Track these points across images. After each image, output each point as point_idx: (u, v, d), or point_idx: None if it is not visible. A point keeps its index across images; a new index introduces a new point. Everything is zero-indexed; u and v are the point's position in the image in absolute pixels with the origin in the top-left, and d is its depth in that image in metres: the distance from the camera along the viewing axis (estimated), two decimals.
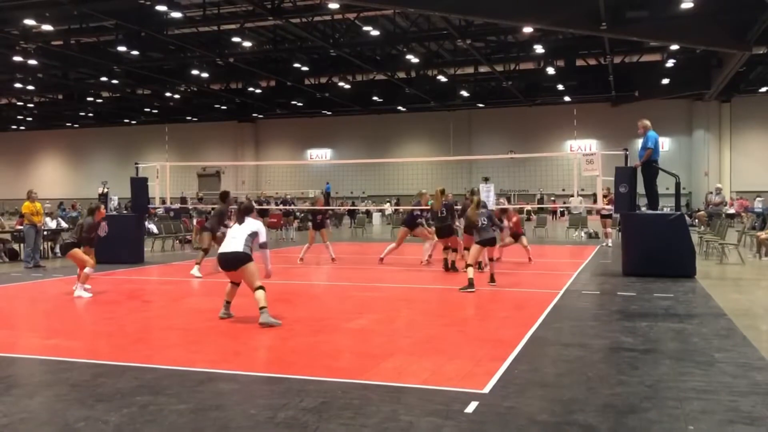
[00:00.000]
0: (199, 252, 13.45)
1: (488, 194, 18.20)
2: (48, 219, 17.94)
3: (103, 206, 11.43)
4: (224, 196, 13.76)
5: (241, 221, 8.24)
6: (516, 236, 14.98)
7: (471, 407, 4.51)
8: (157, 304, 9.61)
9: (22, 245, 17.01)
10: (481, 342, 6.81)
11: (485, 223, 10.70)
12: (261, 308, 7.76)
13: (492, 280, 11.03)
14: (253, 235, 8.10)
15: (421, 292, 10.72)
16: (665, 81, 35.63)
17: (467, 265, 10.66)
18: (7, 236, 17.48)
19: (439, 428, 4.13)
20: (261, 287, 7.89)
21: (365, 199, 44.87)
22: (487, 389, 4.95)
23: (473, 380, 5.19)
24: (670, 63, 33.25)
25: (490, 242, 10.94)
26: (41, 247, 15.82)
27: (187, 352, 6.40)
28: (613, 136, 39.38)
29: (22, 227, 16.45)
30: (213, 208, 14.65)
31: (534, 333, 7.02)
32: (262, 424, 4.25)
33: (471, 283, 10.27)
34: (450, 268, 13.07)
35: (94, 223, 10.50)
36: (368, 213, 36.19)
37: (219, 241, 13.51)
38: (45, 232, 16.14)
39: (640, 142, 13.00)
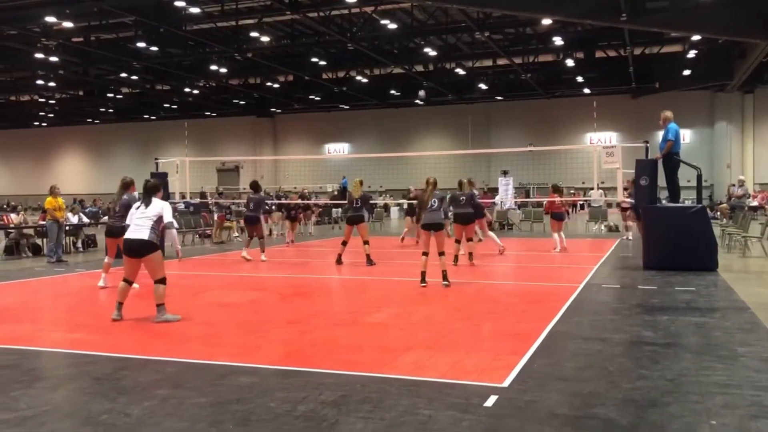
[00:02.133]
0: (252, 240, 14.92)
1: (507, 187, 18.13)
2: (69, 214, 18.15)
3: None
4: (256, 186, 15.34)
5: (147, 203, 7.75)
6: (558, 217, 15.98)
7: (490, 401, 4.50)
8: (178, 298, 9.68)
9: (44, 240, 17.25)
10: (500, 336, 6.79)
11: (434, 205, 10.08)
12: (158, 305, 7.53)
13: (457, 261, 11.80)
14: (159, 220, 7.66)
15: (439, 286, 10.69)
16: (686, 72, 35.18)
17: (423, 253, 10.11)
18: (31, 231, 17.72)
19: (458, 422, 4.13)
20: (163, 280, 7.60)
21: (383, 193, 44.87)
22: (506, 383, 4.93)
23: (492, 374, 5.17)
24: (691, 54, 32.84)
25: (434, 227, 10.10)
26: (63, 242, 16.00)
27: (207, 346, 6.45)
28: (633, 128, 39.03)
29: (44, 222, 16.67)
30: (248, 199, 15.24)
31: (554, 327, 6.98)
32: (281, 417, 4.27)
33: (422, 277, 10.06)
34: (338, 262, 13.51)
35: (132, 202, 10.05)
36: (386, 207, 36.18)
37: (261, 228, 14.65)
38: (67, 227, 16.33)
39: (660, 134, 12.86)
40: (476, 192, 15.07)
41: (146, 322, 7.62)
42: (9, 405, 4.60)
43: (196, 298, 9.70)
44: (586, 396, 4.66)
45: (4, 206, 40.39)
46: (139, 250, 7.59)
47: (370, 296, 9.54)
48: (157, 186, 8.14)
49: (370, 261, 13.19)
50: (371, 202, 15.66)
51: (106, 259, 10.57)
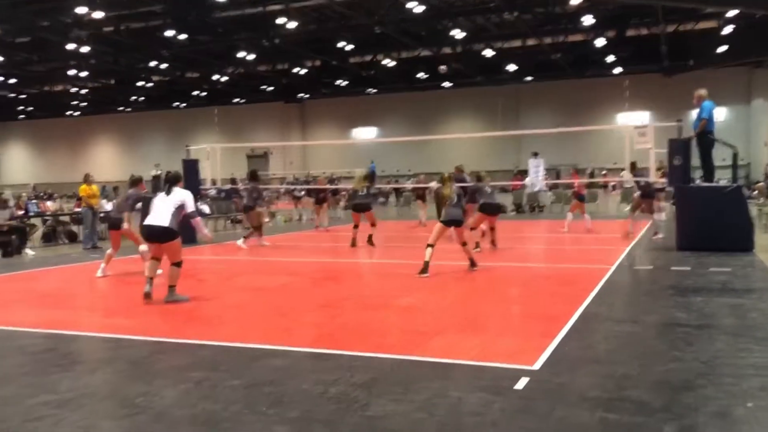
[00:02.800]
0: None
1: (537, 169, 17.98)
2: (104, 201, 18.45)
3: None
4: (254, 175, 15.46)
5: (168, 192, 7.95)
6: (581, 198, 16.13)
7: (521, 383, 4.50)
8: (211, 282, 9.83)
9: (80, 227, 17.58)
10: (531, 318, 6.76)
11: (454, 200, 9.84)
12: (170, 286, 7.82)
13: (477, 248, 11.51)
14: (181, 207, 7.87)
15: (467, 269, 10.66)
16: (722, 49, 34.31)
17: (428, 245, 9.66)
18: (67, 218, 18.06)
19: (488, 404, 4.13)
20: (179, 264, 7.88)
21: (411, 177, 44.78)
22: (537, 365, 4.92)
23: (523, 357, 5.16)
24: (727, 30, 31.96)
25: (455, 223, 9.87)
26: (98, 229, 16.30)
27: (240, 329, 6.54)
28: (666, 107, 38.25)
29: (80, 210, 16.99)
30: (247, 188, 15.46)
31: (585, 309, 6.93)
32: (313, 399, 4.32)
33: (425, 267, 9.45)
34: (353, 245, 13.81)
35: (140, 196, 10.52)
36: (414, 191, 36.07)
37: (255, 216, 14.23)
38: (101, 214, 16.62)
39: (694, 113, 12.60)
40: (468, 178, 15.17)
41: (180, 306, 7.75)
42: (49, 387, 4.73)
43: (228, 282, 9.83)
44: (618, 378, 4.62)
45: (41, 194, 41.29)
46: (159, 236, 7.84)
47: (400, 280, 9.56)
48: (179, 176, 8.36)
49: (370, 241, 14.02)
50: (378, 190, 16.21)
51: (109, 251, 10.65)
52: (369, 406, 4.16)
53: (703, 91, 12.30)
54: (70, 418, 4.10)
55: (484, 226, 12.69)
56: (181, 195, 7.99)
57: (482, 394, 4.31)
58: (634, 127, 14.20)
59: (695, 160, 12.37)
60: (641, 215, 14.99)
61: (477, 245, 12.16)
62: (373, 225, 14.29)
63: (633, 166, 15.18)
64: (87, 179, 15.92)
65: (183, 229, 8.16)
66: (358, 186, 14.66)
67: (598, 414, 3.93)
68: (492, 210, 12.67)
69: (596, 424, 3.80)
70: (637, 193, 14.93)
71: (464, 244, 10.04)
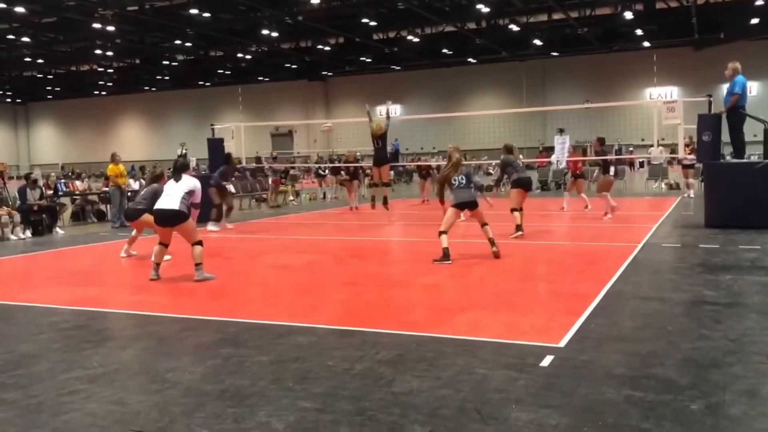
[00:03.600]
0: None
1: (563, 146, 17.80)
2: (131, 180, 18.68)
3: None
4: (228, 158, 14.88)
5: (177, 178, 8.21)
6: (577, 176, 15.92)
7: (546, 361, 4.49)
8: (237, 260, 9.93)
9: (108, 206, 17.83)
10: (557, 296, 6.74)
11: (462, 182, 9.19)
12: (197, 264, 7.95)
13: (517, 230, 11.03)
14: (190, 193, 8.12)
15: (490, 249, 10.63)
16: (755, 21, 33.45)
17: (440, 233, 9.03)
18: (95, 198, 18.33)
19: (513, 381, 4.14)
20: (200, 242, 8.06)
21: (435, 154, 44.58)
22: (562, 343, 4.91)
23: (548, 334, 5.15)
24: (760, 1, 31.13)
25: (468, 205, 9.31)
26: (126, 207, 16.51)
27: (266, 307, 6.62)
28: (695, 82, 37.53)
29: (107, 189, 17.22)
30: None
31: (611, 287, 6.88)
32: (339, 375, 4.37)
33: (446, 254, 8.82)
34: (374, 203, 14.05)
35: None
36: (439, 169, 35.94)
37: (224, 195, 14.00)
38: (129, 193, 16.84)
39: (725, 87, 12.34)
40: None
41: (207, 284, 7.85)
42: (81, 363, 4.83)
43: (254, 261, 9.92)
44: (645, 356, 4.60)
45: (69, 173, 41.94)
46: (170, 219, 8.05)
47: (424, 258, 9.56)
48: (186, 164, 8.73)
49: (385, 203, 13.90)
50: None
51: (134, 233, 10.69)
52: (394, 383, 4.19)
53: (737, 65, 12.01)
54: (102, 393, 4.19)
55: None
56: (192, 182, 8.26)
57: (507, 371, 4.32)
58: (662, 102, 13.93)
59: (725, 135, 12.13)
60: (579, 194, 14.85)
61: (518, 228, 11.14)
62: (386, 184, 13.98)
63: (602, 142, 14.70)
64: (114, 158, 16.06)
65: (202, 206, 8.36)
66: (377, 131, 14.08)
67: (624, 392, 3.92)
68: (527, 185, 11.67)
69: (622, 401, 3.79)
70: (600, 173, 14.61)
71: (484, 224, 9.27)
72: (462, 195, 9.20)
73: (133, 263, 10.15)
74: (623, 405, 3.74)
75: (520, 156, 12.75)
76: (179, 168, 8.52)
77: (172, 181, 8.30)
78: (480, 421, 3.57)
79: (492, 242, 9.18)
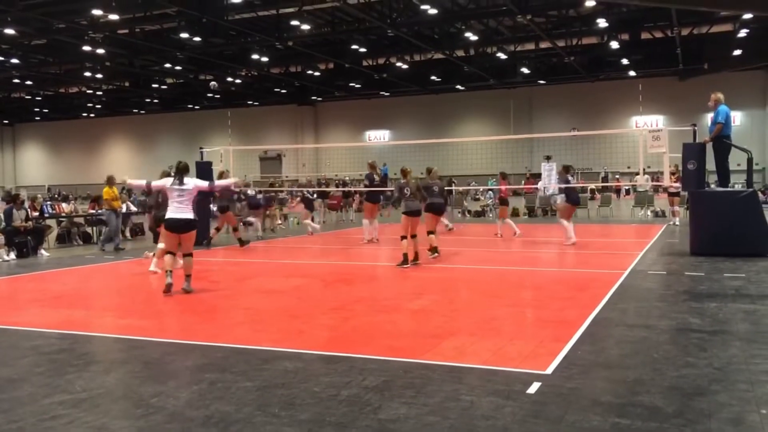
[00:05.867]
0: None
1: (550, 173, 17.94)
2: (128, 202, 18.54)
3: None
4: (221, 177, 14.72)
5: (181, 182, 8.63)
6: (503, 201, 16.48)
7: (533, 388, 4.49)
8: (224, 284, 9.88)
9: (94, 228, 17.72)
10: (544, 323, 6.75)
11: (406, 193, 11.19)
12: (188, 276, 8.57)
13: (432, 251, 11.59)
14: (195, 194, 8.73)
15: (479, 273, 10.67)
16: (737, 52, 34.08)
17: (402, 237, 11.01)
18: (81, 220, 18.19)
19: (500, 408, 4.13)
20: (191, 254, 8.72)
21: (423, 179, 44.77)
22: (549, 370, 4.91)
23: (535, 361, 5.15)
24: (742, 33, 31.75)
25: (415, 213, 11.18)
26: (120, 231, 16.32)
27: (252, 331, 6.57)
28: (680, 111, 38.06)
29: (94, 211, 17.11)
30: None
31: (598, 314, 6.91)
32: (325, 401, 4.34)
33: (405, 259, 10.77)
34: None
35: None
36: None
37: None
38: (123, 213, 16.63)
39: (709, 117, 12.53)
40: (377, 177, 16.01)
41: (193, 307, 7.80)
42: (65, 387, 4.77)
43: (241, 284, 9.87)
44: (631, 384, 4.61)
45: (56, 195, 41.66)
46: (183, 227, 8.60)
47: (411, 283, 9.57)
48: (187, 167, 9.03)
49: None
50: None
51: (160, 245, 10.63)
52: (381, 409, 4.17)
53: (719, 95, 12.23)
54: (85, 418, 4.14)
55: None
56: (193, 182, 8.81)
57: (494, 398, 4.31)
58: (648, 131, 14.11)
59: (710, 164, 12.29)
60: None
61: (434, 251, 11.65)
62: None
63: (566, 169, 15.00)
64: (110, 181, 15.76)
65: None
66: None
67: (611, 419, 3.92)
68: (438, 209, 12.00)
69: (609, 429, 3.78)
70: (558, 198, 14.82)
71: (414, 235, 11.05)
72: (410, 205, 11.19)
73: (121, 284, 10.06)
74: None
75: (450, 181, 13.03)
76: (182, 170, 8.82)
77: (176, 186, 8.62)
78: None
79: (415, 255, 10.94)
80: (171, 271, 8.59)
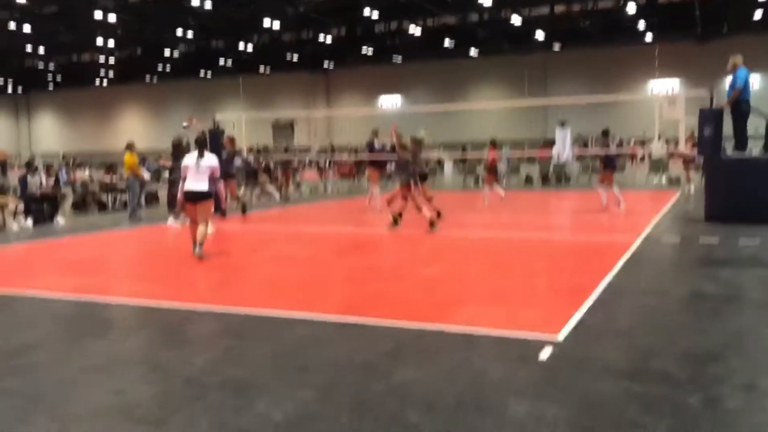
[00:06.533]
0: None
1: (565, 139, 17.78)
2: (144, 171, 18.53)
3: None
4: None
5: (201, 154, 8.92)
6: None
7: (545, 354, 4.51)
8: (239, 251, 9.95)
9: (109, 195, 17.84)
10: (556, 290, 6.75)
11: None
12: (201, 243, 8.77)
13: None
14: (213, 170, 8.99)
15: (491, 240, 10.66)
16: (758, 15, 33.31)
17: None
18: (96, 188, 18.31)
19: (512, 374, 4.16)
20: (206, 223, 9.02)
21: (436, 146, 44.49)
22: (561, 337, 4.92)
23: (547, 328, 5.17)
24: None
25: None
26: (143, 199, 16.32)
27: (267, 298, 6.64)
28: (698, 75, 37.36)
29: (108, 178, 17.20)
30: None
31: (611, 281, 6.89)
32: (338, 366, 4.39)
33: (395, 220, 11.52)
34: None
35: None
36: (439, 161, 35.89)
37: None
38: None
39: (728, 81, 12.30)
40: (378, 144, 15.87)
41: (208, 275, 7.87)
42: (84, 352, 4.86)
43: (256, 252, 9.94)
44: (643, 350, 4.62)
45: (70, 163, 41.91)
46: (200, 198, 8.89)
47: (424, 250, 9.59)
48: (206, 140, 9.41)
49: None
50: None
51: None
52: (393, 374, 4.21)
53: (738, 58, 11.98)
54: (103, 383, 4.21)
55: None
56: (212, 160, 9.05)
57: (506, 364, 4.34)
58: (664, 96, 13.90)
59: (727, 129, 12.11)
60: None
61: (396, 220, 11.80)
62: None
63: (605, 135, 14.89)
64: (130, 148, 15.23)
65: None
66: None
67: (623, 385, 3.94)
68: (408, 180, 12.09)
69: (620, 394, 3.80)
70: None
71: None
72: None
73: (137, 251, 10.17)
74: (622, 398, 3.76)
75: (464, 148, 13.17)
76: (203, 143, 9.17)
77: (195, 159, 8.90)
78: (478, 413, 3.59)
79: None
80: (195, 241, 8.88)
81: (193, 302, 6.41)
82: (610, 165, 14.43)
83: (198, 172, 8.85)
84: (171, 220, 13.14)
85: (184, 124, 16.43)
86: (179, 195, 9.03)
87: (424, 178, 11.96)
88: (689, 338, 4.87)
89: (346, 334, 5.15)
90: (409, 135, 12.26)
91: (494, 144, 17.08)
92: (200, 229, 8.82)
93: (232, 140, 15.53)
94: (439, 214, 11.64)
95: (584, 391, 3.86)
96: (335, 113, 51.02)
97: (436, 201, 11.94)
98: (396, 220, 11.68)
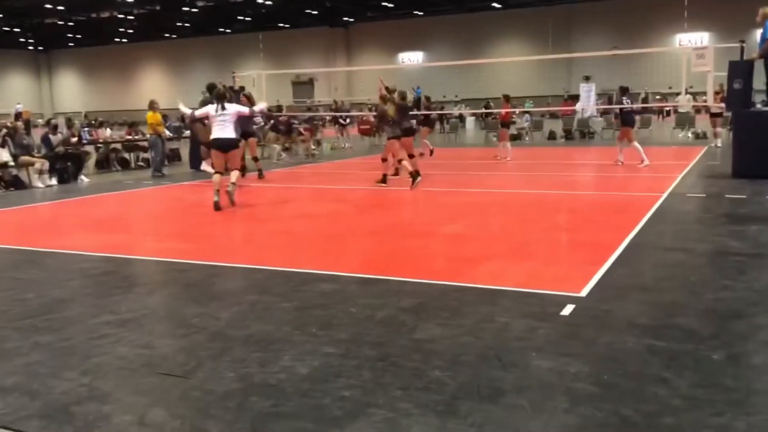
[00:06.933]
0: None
1: (589, 94, 17.51)
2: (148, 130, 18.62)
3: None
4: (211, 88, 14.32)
5: (222, 107, 9.36)
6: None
7: (567, 310, 4.51)
8: (261, 209, 10.01)
9: (131, 154, 17.97)
10: (579, 246, 6.72)
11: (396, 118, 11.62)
12: (233, 183, 9.32)
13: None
14: (236, 119, 9.43)
15: (513, 197, 10.60)
16: None
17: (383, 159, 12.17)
18: (118, 146, 18.42)
19: (534, 329, 4.18)
20: (237, 169, 9.63)
21: (458, 103, 44.04)
22: (584, 293, 4.92)
23: (570, 284, 5.16)
24: None
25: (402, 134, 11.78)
26: (165, 156, 16.42)
27: (291, 254, 6.69)
28: (728, 27, 36.40)
29: (129, 136, 17.28)
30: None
31: (634, 237, 6.84)
32: (362, 322, 4.44)
33: (384, 179, 11.80)
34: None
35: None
36: (461, 117, 35.55)
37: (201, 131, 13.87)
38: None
39: (758, 33, 11.95)
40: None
41: (232, 231, 7.94)
42: (111, 308, 4.96)
43: (278, 209, 10.00)
44: (667, 306, 4.60)
45: (92, 122, 42.17)
46: (227, 146, 9.35)
47: (445, 208, 9.57)
48: (225, 93, 9.84)
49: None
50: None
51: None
52: (416, 330, 4.25)
53: (767, 9, 11.61)
54: (131, 337, 4.31)
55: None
56: (234, 107, 9.53)
57: (528, 320, 4.35)
58: (692, 49, 13.57)
59: (757, 83, 11.81)
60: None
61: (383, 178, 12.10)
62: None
63: (623, 91, 14.62)
64: (153, 106, 15.54)
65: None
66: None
67: (645, 341, 3.94)
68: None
69: (643, 350, 3.81)
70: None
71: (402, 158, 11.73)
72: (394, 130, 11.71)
73: (160, 209, 10.27)
74: (644, 354, 3.76)
75: (487, 104, 13.08)
76: (221, 96, 9.56)
77: (219, 109, 9.34)
78: (501, 368, 3.62)
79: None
80: (218, 191, 9.22)
81: (216, 259, 6.49)
82: (628, 121, 14.25)
83: (223, 121, 9.25)
84: (204, 165, 13.58)
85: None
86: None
87: (409, 133, 12.28)
88: (713, 294, 4.84)
89: (368, 290, 5.19)
90: (426, 91, 12.35)
91: (507, 98, 16.90)
92: (233, 173, 9.39)
93: (249, 98, 15.44)
94: (417, 173, 11.63)
95: (607, 347, 3.87)
96: (356, 69, 50.51)
97: (459, 156, 11.87)
98: (415, 177, 11.54)
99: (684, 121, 23.03)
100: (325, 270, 5.83)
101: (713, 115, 18.78)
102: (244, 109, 9.80)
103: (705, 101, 16.06)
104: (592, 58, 38.31)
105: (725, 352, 3.76)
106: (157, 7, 45.84)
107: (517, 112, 28.73)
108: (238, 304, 4.97)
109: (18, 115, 38.31)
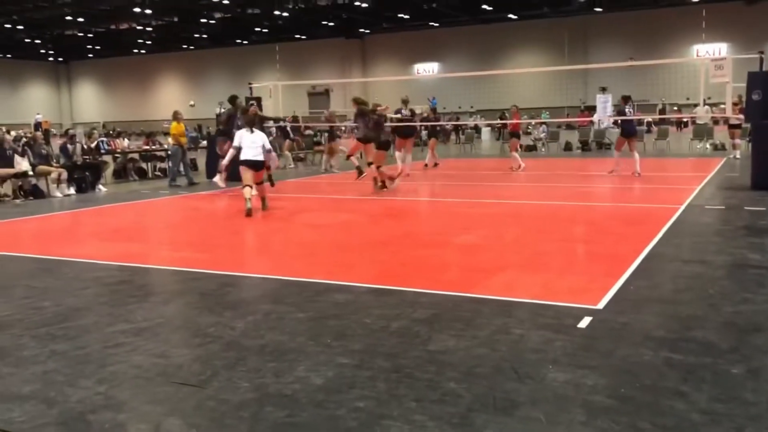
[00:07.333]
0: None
1: (605, 105, 17.43)
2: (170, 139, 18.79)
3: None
4: (232, 100, 15.06)
5: (251, 130, 10.50)
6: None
7: (584, 322, 4.47)
8: (275, 219, 10.04)
9: (148, 164, 18.12)
10: (596, 258, 6.67)
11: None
12: (263, 198, 10.53)
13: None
14: (263, 145, 10.45)
15: (529, 207, 10.55)
16: None
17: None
18: (136, 156, 18.58)
19: (550, 342, 4.14)
20: (262, 182, 10.68)
21: (474, 113, 44.01)
22: (601, 305, 4.87)
23: (587, 296, 5.12)
24: None
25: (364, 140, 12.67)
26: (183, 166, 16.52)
27: (305, 264, 6.70)
28: (746, 38, 36.16)
29: (148, 147, 17.42)
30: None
31: (652, 249, 6.78)
32: (376, 333, 4.42)
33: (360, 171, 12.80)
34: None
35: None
36: (476, 128, 35.53)
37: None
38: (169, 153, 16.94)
39: None
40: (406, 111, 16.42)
41: (247, 241, 7.96)
42: (126, 317, 4.98)
43: (291, 219, 10.02)
44: (685, 319, 4.54)
45: (110, 132, 42.63)
46: (256, 166, 10.39)
47: (459, 218, 9.54)
48: (254, 120, 11.22)
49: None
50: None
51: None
52: (430, 341, 4.23)
53: None
54: (146, 346, 4.32)
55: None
56: (262, 136, 10.61)
57: (544, 332, 4.31)
58: (710, 60, 13.48)
59: None
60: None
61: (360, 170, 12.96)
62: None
63: (626, 100, 14.71)
64: (177, 117, 15.71)
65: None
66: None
67: (663, 354, 3.89)
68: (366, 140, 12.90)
69: (660, 364, 3.76)
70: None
71: (370, 163, 12.72)
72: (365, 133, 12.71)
73: (176, 219, 10.33)
74: (661, 367, 3.71)
75: (502, 115, 13.36)
76: (251, 123, 10.79)
77: (246, 132, 10.47)
78: (516, 380, 3.58)
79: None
80: (250, 199, 10.01)
81: (231, 269, 6.50)
82: (627, 131, 14.39)
83: (253, 143, 10.33)
84: (217, 177, 13.82)
85: (191, 103, 16.93)
86: (227, 158, 11.29)
87: (385, 146, 13.18)
88: (732, 307, 4.77)
89: (382, 301, 5.18)
90: (442, 102, 12.57)
91: (518, 109, 17.09)
92: (260, 187, 10.47)
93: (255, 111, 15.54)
94: (377, 181, 12.63)
95: (624, 360, 3.83)
96: (371, 80, 50.66)
97: (474, 167, 11.85)
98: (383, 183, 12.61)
99: (702, 132, 22.83)
100: (338, 280, 5.83)
101: (732, 127, 18.62)
102: (268, 146, 10.69)
103: (724, 111, 15.94)
104: (609, 69, 38.17)
105: (745, 365, 3.70)
106: (175, 19, 46.31)
107: (533, 123, 28.67)
108: (253, 313, 4.97)
109: (38, 125, 38.83)
